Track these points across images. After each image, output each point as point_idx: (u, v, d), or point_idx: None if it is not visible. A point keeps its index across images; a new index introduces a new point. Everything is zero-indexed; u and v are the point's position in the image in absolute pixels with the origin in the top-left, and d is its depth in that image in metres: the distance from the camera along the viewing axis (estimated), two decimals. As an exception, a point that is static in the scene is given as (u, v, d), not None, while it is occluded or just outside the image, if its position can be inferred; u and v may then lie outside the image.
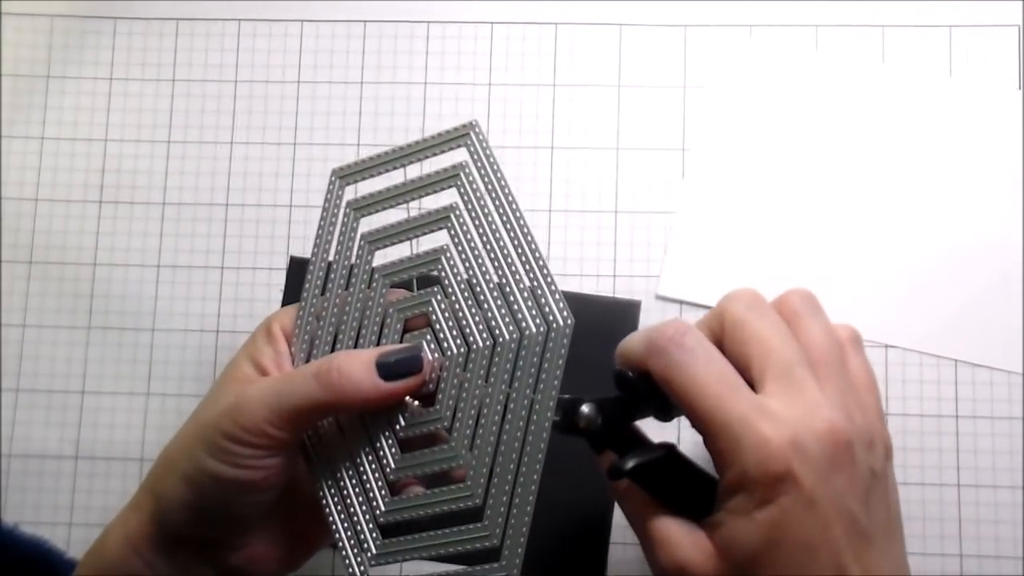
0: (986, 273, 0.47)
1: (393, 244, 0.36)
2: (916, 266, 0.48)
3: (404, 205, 0.36)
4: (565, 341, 0.33)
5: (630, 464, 0.32)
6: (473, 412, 0.33)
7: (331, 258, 0.37)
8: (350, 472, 0.35)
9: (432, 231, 0.36)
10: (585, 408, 0.34)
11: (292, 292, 0.49)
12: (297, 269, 0.49)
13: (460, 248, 0.35)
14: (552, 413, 0.32)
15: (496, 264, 0.34)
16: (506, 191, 0.35)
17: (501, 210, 0.34)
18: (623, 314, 0.48)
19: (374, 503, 0.34)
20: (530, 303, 0.33)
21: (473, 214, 0.35)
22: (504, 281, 0.34)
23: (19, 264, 0.50)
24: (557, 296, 0.33)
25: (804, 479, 0.30)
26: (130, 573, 0.35)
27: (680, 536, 0.32)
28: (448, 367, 0.34)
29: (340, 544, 0.35)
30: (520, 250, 0.34)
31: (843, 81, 0.49)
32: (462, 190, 0.35)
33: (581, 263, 0.49)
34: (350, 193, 0.37)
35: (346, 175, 0.37)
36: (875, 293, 0.48)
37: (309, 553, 0.38)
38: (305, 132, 0.51)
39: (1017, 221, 0.48)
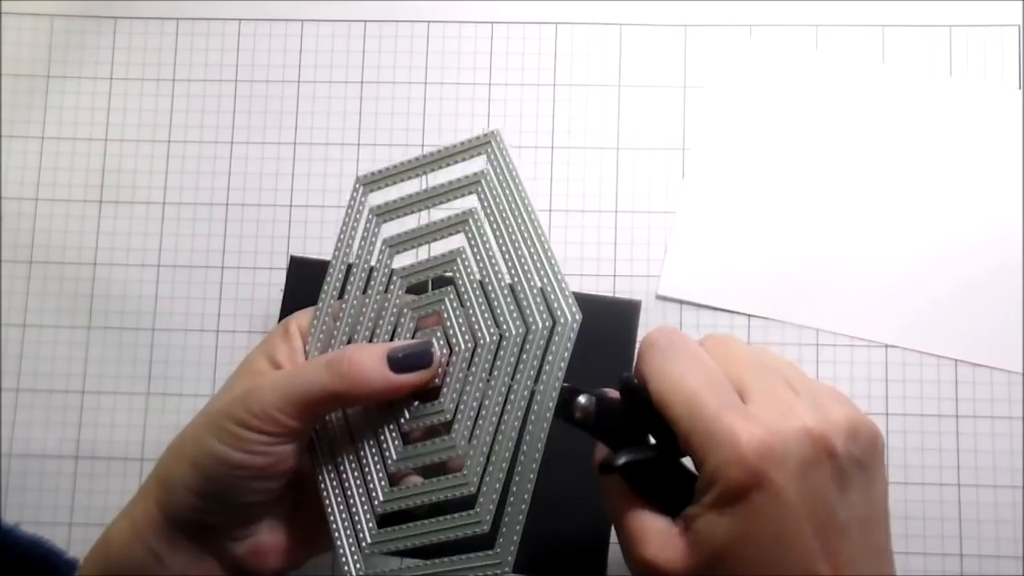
0: (986, 273, 0.47)
1: (412, 248, 0.37)
2: (916, 266, 0.48)
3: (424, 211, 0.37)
4: (572, 335, 0.33)
5: (621, 460, 0.32)
6: (475, 405, 0.34)
7: (351, 260, 0.37)
8: (352, 465, 0.36)
9: (450, 235, 0.37)
10: (582, 399, 0.34)
11: (292, 292, 0.49)
12: (297, 269, 0.49)
13: (476, 251, 0.36)
14: (553, 404, 0.33)
15: (510, 265, 0.35)
16: (524, 198, 0.35)
17: (518, 215, 0.35)
18: (623, 314, 0.48)
19: (373, 494, 0.35)
20: (539, 300, 0.34)
21: (492, 219, 0.36)
22: (516, 281, 0.34)
23: (19, 264, 0.50)
24: (567, 293, 0.34)
25: (776, 475, 0.30)
26: (135, 562, 0.35)
27: (653, 532, 0.32)
28: (454, 362, 0.35)
29: (336, 535, 0.35)
30: (534, 252, 0.35)
31: (843, 81, 0.49)
32: (482, 196, 0.36)
33: (581, 263, 0.49)
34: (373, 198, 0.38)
35: (370, 182, 0.38)
36: (875, 293, 0.48)
37: (312, 551, 0.38)
38: (305, 132, 0.51)
39: (1017, 221, 0.48)
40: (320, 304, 0.37)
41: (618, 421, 0.34)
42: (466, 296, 0.35)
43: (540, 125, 0.50)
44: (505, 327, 0.34)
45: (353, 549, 0.35)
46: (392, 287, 0.37)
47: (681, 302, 0.48)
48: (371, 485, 0.35)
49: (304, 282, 0.49)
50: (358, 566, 0.35)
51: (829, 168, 0.49)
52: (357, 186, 0.38)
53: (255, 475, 0.34)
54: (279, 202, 0.50)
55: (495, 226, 0.36)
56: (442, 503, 0.34)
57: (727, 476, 0.30)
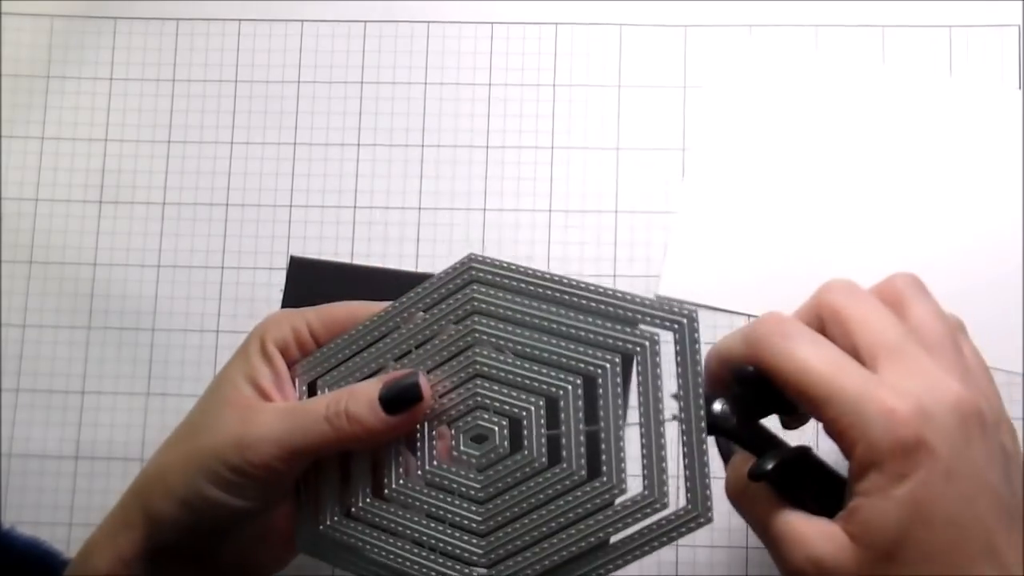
0: (986, 273, 0.47)
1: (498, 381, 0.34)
2: (916, 266, 0.47)
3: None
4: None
5: (770, 464, 0.31)
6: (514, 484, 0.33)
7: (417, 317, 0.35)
8: (338, 476, 0.35)
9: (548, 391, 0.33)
10: (717, 406, 0.32)
11: (292, 292, 0.49)
12: (297, 269, 0.49)
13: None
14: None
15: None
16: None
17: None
18: (623, 314, 0.48)
19: (352, 498, 0.34)
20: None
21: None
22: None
23: (19, 264, 0.50)
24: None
25: (939, 448, 0.27)
26: None
27: (811, 530, 0.29)
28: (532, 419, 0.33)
29: (300, 509, 0.35)
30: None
31: (843, 81, 0.49)
32: (599, 395, 0.33)
33: (581, 263, 0.49)
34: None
35: (478, 275, 0.34)
36: (875, 293, 0.48)
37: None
38: (305, 132, 0.51)
39: (1017, 221, 0.48)
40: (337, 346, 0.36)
41: (747, 420, 0.32)
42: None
43: (540, 125, 0.50)
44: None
45: (312, 525, 0.34)
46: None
47: (681, 302, 0.48)
48: (353, 490, 0.35)
49: (304, 282, 0.49)
50: (319, 523, 0.34)
51: (829, 168, 0.49)
52: (465, 262, 0.34)
53: (248, 515, 0.34)
54: (279, 202, 0.50)
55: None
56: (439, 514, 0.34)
57: (887, 451, 0.27)
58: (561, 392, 0.33)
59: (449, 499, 0.33)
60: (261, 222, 0.50)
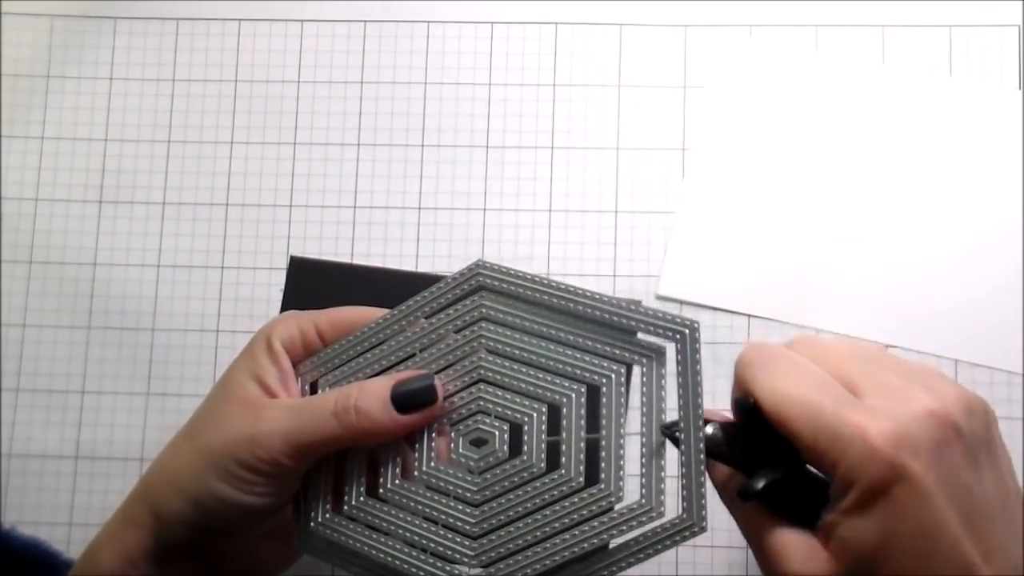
0: (986, 273, 0.47)
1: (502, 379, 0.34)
2: (916, 266, 0.48)
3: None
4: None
5: (760, 484, 0.31)
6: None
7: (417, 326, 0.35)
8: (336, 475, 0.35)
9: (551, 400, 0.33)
10: (709, 428, 0.33)
11: (292, 292, 0.49)
12: (297, 269, 0.49)
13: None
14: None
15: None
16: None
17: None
18: (623, 314, 0.48)
19: (346, 497, 0.35)
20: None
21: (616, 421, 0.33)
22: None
23: (19, 264, 0.50)
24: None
25: (914, 466, 0.28)
26: None
27: (795, 547, 0.31)
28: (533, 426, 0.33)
29: (296, 507, 0.35)
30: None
31: (843, 81, 0.49)
32: (603, 405, 0.33)
33: (581, 263, 0.49)
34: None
35: (485, 282, 0.34)
36: (875, 293, 0.48)
37: None
38: (305, 132, 0.51)
39: (1017, 221, 0.48)
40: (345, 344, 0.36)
41: (744, 443, 0.33)
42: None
43: (540, 125, 0.50)
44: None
45: (312, 520, 0.35)
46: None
47: (681, 302, 0.48)
48: (347, 489, 0.35)
49: (304, 282, 0.49)
50: (319, 522, 0.34)
51: (829, 168, 0.49)
52: (474, 269, 0.34)
53: (257, 512, 0.34)
54: (279, 202, 0.50)
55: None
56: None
57: (864, 474, 0.29)
58: (564, 400, 0.33)
59: (444, 501, 0.33)
60: (261, 222, 0.50)
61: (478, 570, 0.33)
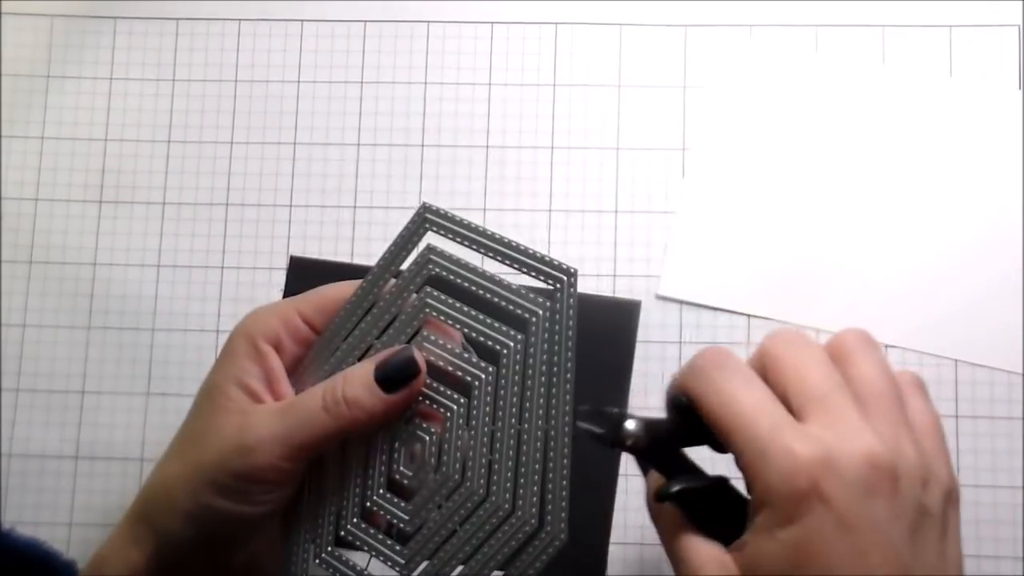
0: (986, 273, 0.47)
1: (447, 321, 0.35)
2: (916, 266, 0.48)
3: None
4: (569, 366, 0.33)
5: (675, 488, 0.31)
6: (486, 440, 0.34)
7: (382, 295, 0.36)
8: (335, 482, 0.35)
9: (487, 346, 0.34)
10: (629, 425, 0.32)
11: (292, 292, 0.49)
12: (297, 269, 0.49)
13: (503, 383, 0.34)
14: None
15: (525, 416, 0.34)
16: (568, 364, 0.34)
17: (555, 368, 0.33)
18: (623, 314, 0.48)
19: (343, 513, 0.35)
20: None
21: (529, 363, 0.34)
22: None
23: (19, 264, 0.50)
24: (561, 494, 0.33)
25: (834, 497, 0.27)
26: None
27: (706, 557, 0.30)
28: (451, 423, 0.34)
29: (296, 535, 0.35)
30: (554, 410, 0.33)
31: (843, 81, 0.49)
32: (532, 337, 0.34)
33: (581, 263, 0.49)
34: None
35: (433, 221, 0.36)
36: (875, 293, 0.48)
37: None
38: (305, 132, 0.51)
39: (1017, 221, 0.48)
40: (339, 322, 0.36)
41: (669, 444, 0.33)
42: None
43: (540, 125, 0.50)
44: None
45: (308, 553, 0.35)
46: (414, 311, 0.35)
47: (681, 302, 0.48)
48: (344, 506, 0.35)
49: (304, 282, 0.49)
50: (304, 565, 0.35)
51: (829, 168, 0.49)
52: (421, 212, 0.36)
53: (259, 521, 0.34)
54: (279, 202, 0.50)
55: (529, 371, 0.33)
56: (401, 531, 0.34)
57: (779, 492, 0.28)
58: (477, 382, 0.34)
59: (379, 540, 0.34)
60: (261, 222, 0.50)
61: None
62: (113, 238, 0.50)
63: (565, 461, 0.32)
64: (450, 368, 0.34)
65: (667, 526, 0.32)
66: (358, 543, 0.34)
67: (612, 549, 0.46)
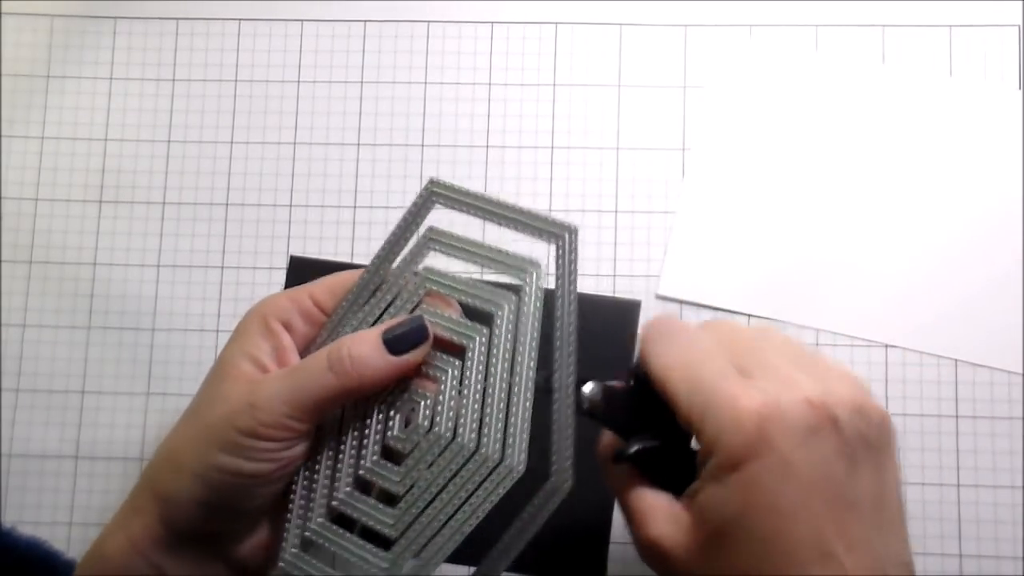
0: (986, 273, 0.47)
1: (446, 292, 0.36)
2: (916, 266, 0.48)
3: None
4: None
5: (633, 449, 0.32)
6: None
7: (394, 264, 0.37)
8: (327, 463, 0.36)
9: (483, 309, 0.35)
10: (587, 388, 0.34)
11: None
12: (297, 269, 0.49)
13: (496, 340, 0.35)
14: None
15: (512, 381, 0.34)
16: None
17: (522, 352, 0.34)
18: (623, 314, 0.48)
19: (331, 493, 0.35)
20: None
21: (522, 320, 0.34)
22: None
23: (19, 264, 0.50)
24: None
25: (779, 440, 0.29)
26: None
27: (657, 510, 0.31)
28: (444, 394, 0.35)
29: (287, 531, 0.35)
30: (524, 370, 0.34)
31: (843, 81, 0.49)
32: (525, 291, 0.35)
33: (581, 263, 0.49)
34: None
35: (439, 193, 0.37)
36: (875, 293, 0.48)
37: None
38: (305, 132, 0.51)
39: (1017, 221, 0.48)
40: (349, 301, 0.37)
41: (626, 408, 0.34)
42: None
43: (540, 125, 0.50)
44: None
45: (294, 550, 0.35)
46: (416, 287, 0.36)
47: (681, 302, 0.48)
48: (336, 480, 0.35)
49: (304, 282, 0.49)
50: (294, 550, 0.35)
51: (829, 168, 0.49)
52: (427, 188, 0.37)
53: (265, 480, 0.34)
54: (279, 202, 0.50)
55: (521, 328, 0.34)
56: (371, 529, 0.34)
57: (725, 441, 0.29)
58: (471, 345, 0.34)
59: (368, 505, 0.34)
60: (261, 222, 0.50)
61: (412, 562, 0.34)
62: (113, 238, 0.50)
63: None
64: (447, 335, 0.35)
65: (618, 482, 0.34)
66: (350, 511, 0.35)
67: (612, 549, 0.46)
